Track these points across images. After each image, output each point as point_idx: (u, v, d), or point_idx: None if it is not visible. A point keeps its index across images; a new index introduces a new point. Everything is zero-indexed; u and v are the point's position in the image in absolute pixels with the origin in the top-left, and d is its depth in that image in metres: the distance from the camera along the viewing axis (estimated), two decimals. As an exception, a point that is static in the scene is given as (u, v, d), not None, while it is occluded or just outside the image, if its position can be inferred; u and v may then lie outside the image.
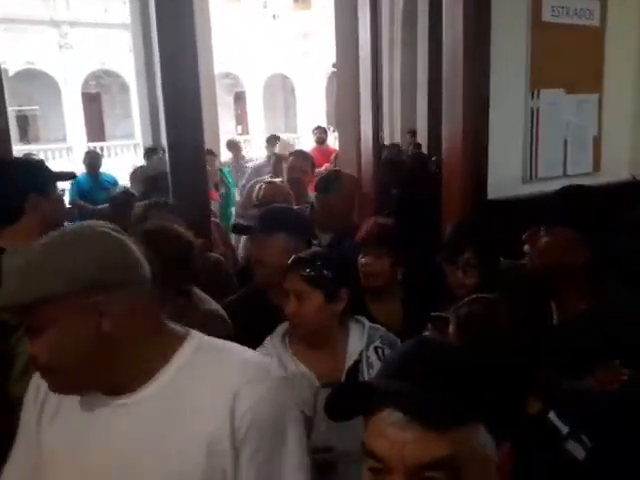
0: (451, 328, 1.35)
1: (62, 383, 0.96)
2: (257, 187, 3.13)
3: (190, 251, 1.67)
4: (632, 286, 1.48)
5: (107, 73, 21.68)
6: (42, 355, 0.93)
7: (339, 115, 3.42)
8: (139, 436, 0.95)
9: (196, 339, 1.03)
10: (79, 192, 5.60)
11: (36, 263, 0.92)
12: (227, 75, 22.64)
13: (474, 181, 2.48)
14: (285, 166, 3.62)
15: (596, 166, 2.87)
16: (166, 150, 3.17)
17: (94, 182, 5.73)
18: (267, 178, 3.78)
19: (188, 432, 0.93)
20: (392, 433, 0.66)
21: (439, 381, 0.68)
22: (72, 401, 1.01)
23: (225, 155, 7.81)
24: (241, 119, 24.78)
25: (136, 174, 5.53)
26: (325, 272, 1.54)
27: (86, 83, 21.41)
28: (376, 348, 1.58)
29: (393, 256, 2.00)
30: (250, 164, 6.89)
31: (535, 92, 2.60)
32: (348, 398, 0.71)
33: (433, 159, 3.54)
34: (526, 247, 1.51)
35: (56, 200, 1.96)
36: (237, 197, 5.80)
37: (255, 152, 8.10)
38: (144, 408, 0.97)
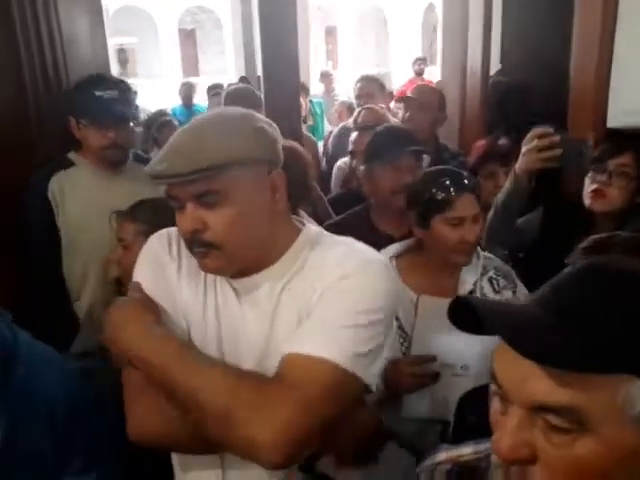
0: None
1: (221, 261, 0.96)
2: (356, 112, 3.08)
3: (307, 171, 1.67)
4: None
5: (201, 9, 21.79)
6: (217, 228, 0.93)
7: (445, 42, 3.25)
8: (250, 316, 1.01)
9: (311, 231, 1.06)
10: (176, 123, 5.78)
11: (229, 130, 0.93)
12: (318, 8, 22.07)
13: (597, 108, 2.28)
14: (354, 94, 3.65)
15: None
16: (261, 79, 3.20)
17: (189, 114, 5.88)
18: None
19: (290, 313, 0.98)
20: (515, 361, 0.57)
21: (578, 315, 0.56)
22: (196, 270, 1.04)
23: (314, 89, 7.73)
24: (332, 54, 24.28)
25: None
26: None
27: (182, 19, 21.68)
28: (490, 279, 1.54)
29: None
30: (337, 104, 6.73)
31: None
32: (468, 314, 0.62)
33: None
34: None
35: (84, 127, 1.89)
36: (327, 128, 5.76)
37: (344, 88, 7.94)
38: (259, 293, 1.00)
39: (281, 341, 0.96)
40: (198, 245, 0.95)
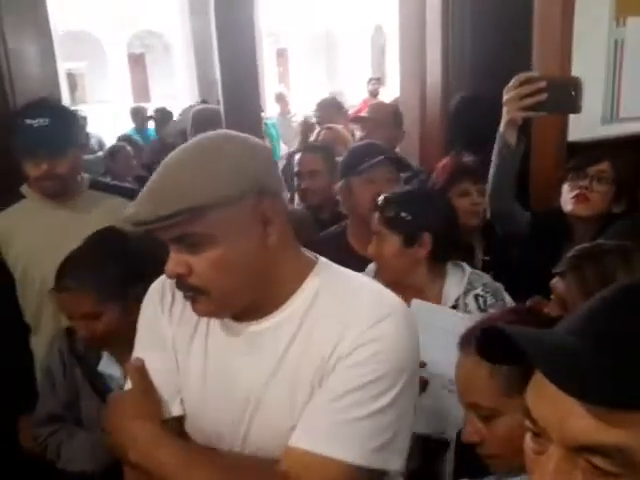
0: (564, 288, 1.18)
1: (211, 306, 0.89)
2: (316, 132, 3.05)
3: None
4: None
5: (150, 33, 21.62)
6: (201, 273, 0.85)
7: (402, 60, 3.27)
8: (247, 359, 0.92)
9: (326, 265, 0.97)
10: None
11: (200, 168, 0.83)
12: (269, 31, 22.23)
13: (559, 122, 2.29)
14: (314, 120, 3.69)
15: (690, 106, 2.59)
16: (221, 103, 3.16)
17: (144, 138, 5.73)
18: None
19: (305, 359, 0.89)
20: (554, 396, 0.51)
21: (620, 347, 0.49)
22: (194, 316, 0.95)
23: (268, 111, 7.70)
24: (283, 76, 24.45)
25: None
26: (403, 214, 1.43)
27: (131, 44, 21.45)
28: (477, 296, 1.47)
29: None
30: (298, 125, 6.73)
31: (621, 21, 2.35)
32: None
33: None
34: None
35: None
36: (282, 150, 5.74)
37: (298, 109, 7.97)
38: (264, 335, 0.92)
39: (283, 392, 0.89)
40: (186, 289, 0.89)
